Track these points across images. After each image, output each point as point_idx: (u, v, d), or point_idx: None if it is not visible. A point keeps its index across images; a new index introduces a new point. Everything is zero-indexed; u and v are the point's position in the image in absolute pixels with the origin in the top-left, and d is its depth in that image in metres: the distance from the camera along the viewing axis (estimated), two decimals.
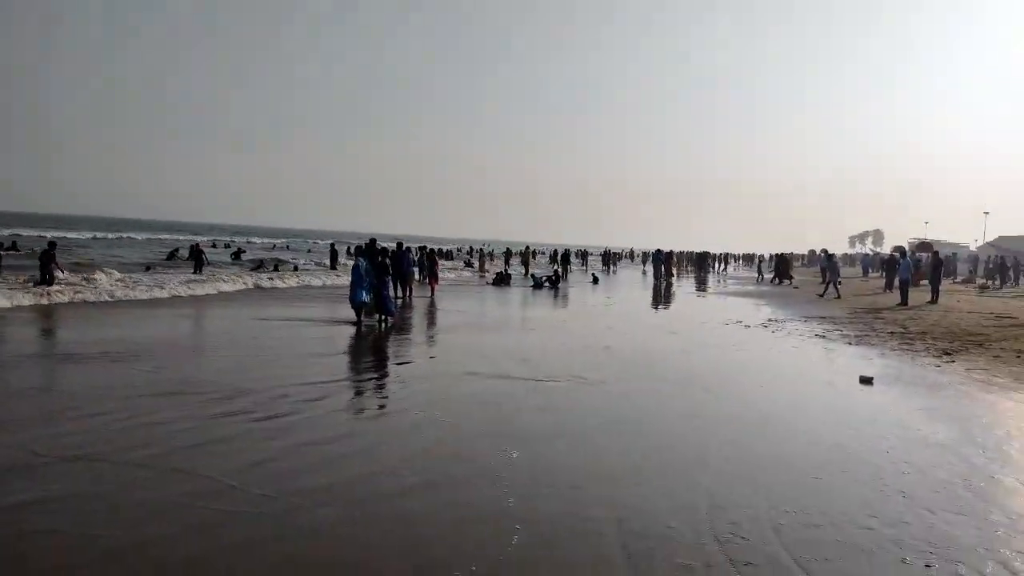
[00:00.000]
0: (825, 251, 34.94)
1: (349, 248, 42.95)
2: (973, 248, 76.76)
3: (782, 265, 41.99)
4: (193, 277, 25.13)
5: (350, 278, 16.36)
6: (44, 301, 17.45)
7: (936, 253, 29.28)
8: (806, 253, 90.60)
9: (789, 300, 26.76)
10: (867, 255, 69.06)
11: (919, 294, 27.17)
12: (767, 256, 54.70)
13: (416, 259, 29.44)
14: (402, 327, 15.96)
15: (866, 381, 10.45)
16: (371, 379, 9.99)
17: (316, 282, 28.02)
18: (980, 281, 40.41)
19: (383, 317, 16.14)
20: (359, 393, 8.94)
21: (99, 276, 22.65)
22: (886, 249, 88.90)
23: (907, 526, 4.97)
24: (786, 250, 48.54)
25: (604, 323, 18.46)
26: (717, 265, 64.84)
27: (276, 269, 33.62)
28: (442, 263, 45.28)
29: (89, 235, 69.50)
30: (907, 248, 49.93)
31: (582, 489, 5.58)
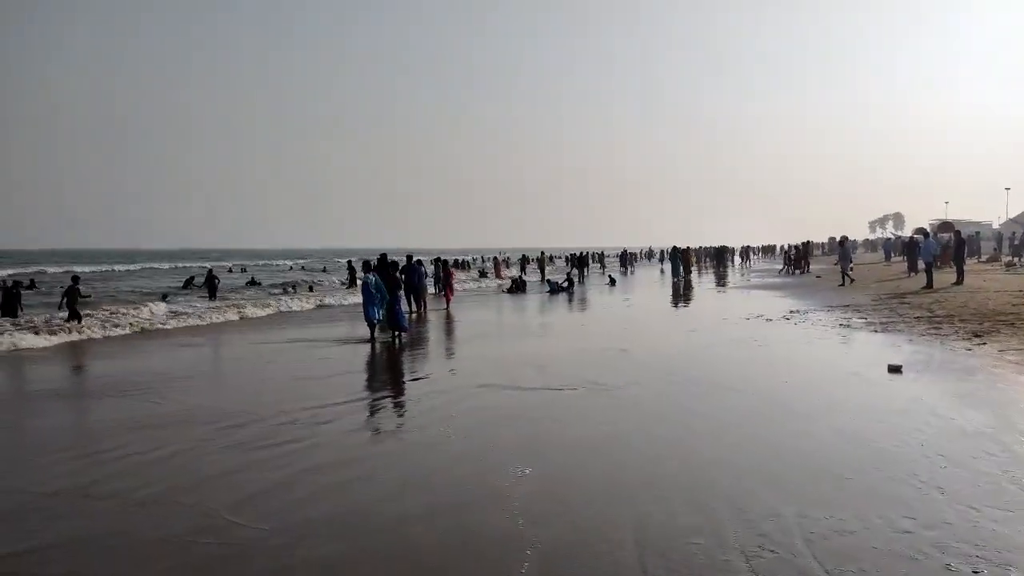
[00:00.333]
0: (834, 239, 34.44)
1: (349, 262, 42.70)
2: (996, 225, 75.40)
3: (797, 255, 41.97)
4: (211, 305, 25.04)
5: (362, 296, 16.17)
6: (75, 337, 17.31)
7: (958, 233, 28.72)
8: (826, 241, 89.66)
9: (810, 290, 26.23)
10: (888, 239, 67.99)
11: (944, 276, 26.57)
12: (786, 247, 54.14)
13: (431, 271, 29.26)
14: (416, 341, 15.72)
15: (895, 370, 10.04)
16: (381, 398, 9.72)
17: (332, 301, 27.83)
18: (1006, 259, 39.50)
19: (396, 333, 15.91)
20: (368, 414, 8.67)
21: (137, 309, 22.63)
22: (907, 232, 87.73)
23: (949, 527, 4.60)
24: (807, 239, 47.89)
25: (621, 325, 18.11)
26: (740, 258, 64.23)
27: (293, 290, 33.54)
28: (458, 274, 45.14)
29: (107, 268, 70.00)
30: (928, 229, 49.10)
31: (597, 506, 5.26)
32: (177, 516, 5.40)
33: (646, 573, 4.17)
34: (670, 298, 27.62)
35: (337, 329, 18.32)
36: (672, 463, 6.27)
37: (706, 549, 4.43)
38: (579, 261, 44.58)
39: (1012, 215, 75.00)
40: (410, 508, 5.39)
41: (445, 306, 23.94)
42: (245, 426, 8.02)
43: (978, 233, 51.39)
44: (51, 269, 61.70)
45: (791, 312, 18.63)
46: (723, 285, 33.83)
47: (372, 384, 11.00)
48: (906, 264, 32.98)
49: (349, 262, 40.48)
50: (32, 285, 37.57)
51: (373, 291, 15.66)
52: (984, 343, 11.96)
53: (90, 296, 22.72)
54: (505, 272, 46.50)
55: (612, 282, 36.08)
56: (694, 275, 43.00)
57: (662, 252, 77.39)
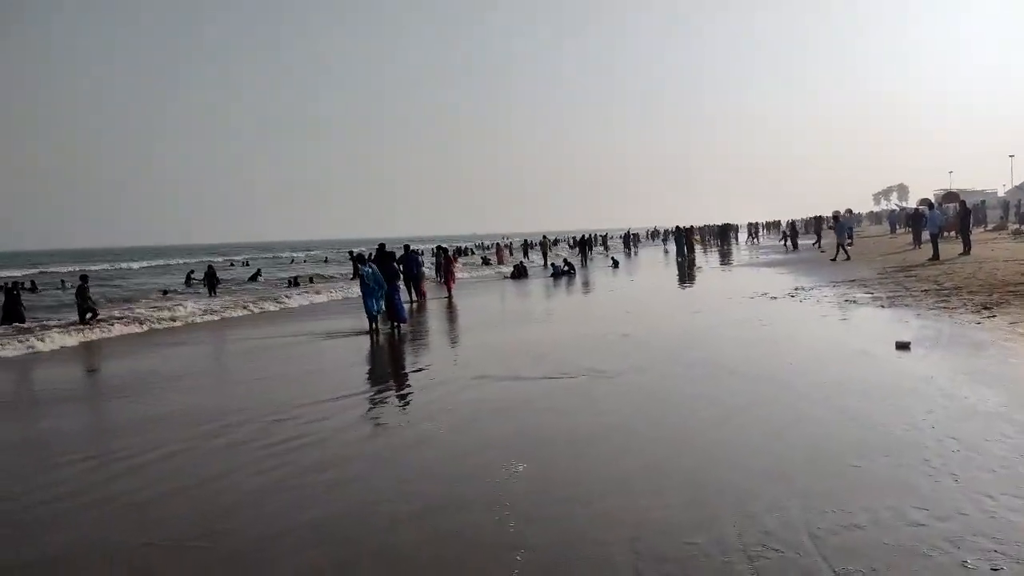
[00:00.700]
0: (836, 214, 34.20)
1: (351, 253, 42.13)
2: (1001, 193, 74.62)
3: (794, 232, 42.76)
4: (211, 303, 24.83)
5: (360, 289, 15.94)
6: (84, 338, 17.09)
7: (963, 202, 28.19)
8: (831, 215, 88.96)
9: (815, 266, 25.87)
10: (893, 211, 67.37)
11: (950, 246, 26.20)
12: (789, 222, 53.96)
13: (432, 260, 29.00)
14: (416, 332, 15.50)
15: (903, 347, 9.75)
16: (377, 392, 9.49)
17: (337, 294, 27.55)
18: (1013, 227, 39.02)
19: (396, 324, 15.69)
20: (363, 410, 8.42)
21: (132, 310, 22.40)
22: (911, 203, 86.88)
23: (964, 518, 4.34)
24: (814, 214, 47.73)
25: (623, 308, 17.83)
26: (748, 235, 63.64)
27: (297, 283, 33.33)
28: (460, 261, 44.87)
29: (108, 266, 69.90)
30: (933, 200, 48.53)
31: (593, 504, 5.02)
32: (168, 521, 5.21)
33: None
34: (673, 279, 27.33)
35: (338, 322, 18.10)
36: (672, 453, 6.02)
37: (706, 550, 4.18)
38: (582, 244, 44.26)
39: (1017, 182, 74.21)
40: (401, 509, 5.17)
41: (446, 294, 23.69)
42: (240, 425, 7.83)
43: (983, 202, 50.83)
44: (52, 269, 61.65)
45: (796, 289, 18.32)
46: (727, 263, 33.49)
47: (369, 378, 10.78)
48: (911, 236, 32.57)
49: (351, 253, 40.16)
50: (33, 287, 37.45)
51: (371, 283, 15.44)
52: (994, 316, 11.65)
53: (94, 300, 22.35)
54: (507, 258, 46.19)
55: (615, 264, 35.76)
56: (698, 254, 42.69)
57: (665, 232, 76.97)
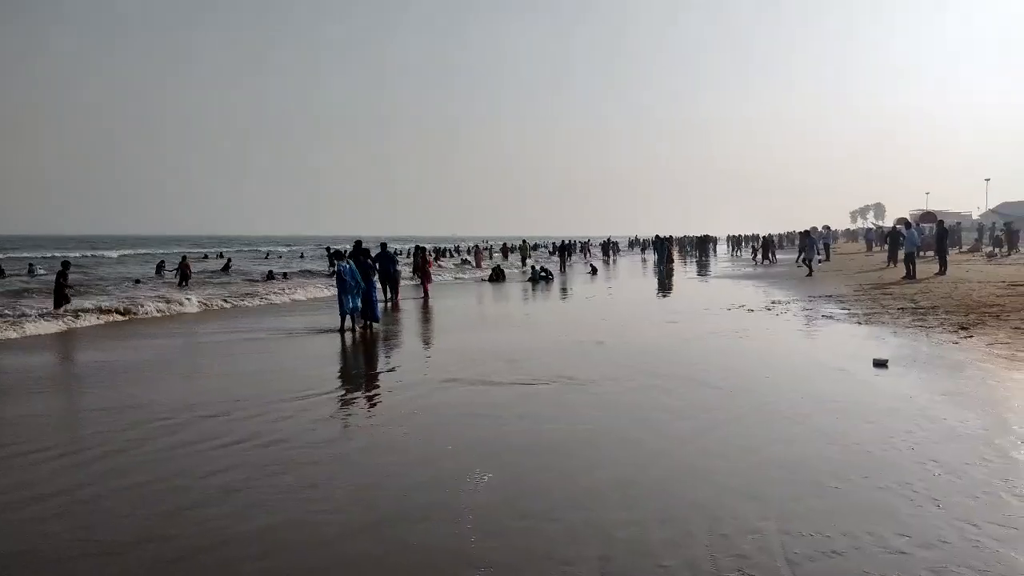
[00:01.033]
0: (815, 228, 34.57)
1: (328, 249, 41.36)
2: (976, 216, 75.66)
3: (766, 246, 43.36)
4: (182, 294, 24.27)
5: (336, 285, 15.55)
6: (57, 327, 16.37)
7: (941, 222, 28.38)
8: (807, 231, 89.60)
9: (793, 281, 25.87)
10: (870, 229, 67.99)
11: (926, 266, 26.34)
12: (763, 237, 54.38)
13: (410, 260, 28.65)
14: (388, 332, 15.17)
15: (880, 364, 9.62)
16: (343, 393, 9.15)
17: (313, 291, 27.09)
18: (987, 249, 39.42)
19: (368, 323, 15.35)
20: (327, 410, 8.05)
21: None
22: (888, 222, 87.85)
23: (948, 547, 4.13)
24: (790, 229, 48.16)
25: (599, 315, 17.64)
26: (731, 249, 63.82)
27: (272, 278, 32.73)
28: (440, 262, 44.52)
29: (83, 254, 68.63)
30: (910, 219, 49.00)
31: (561, 519, 4.76)
32: (103, 524, 4.87)
33: None
34: (651, 288, 27.20)
35: (310, 319, 17.70)
36: (645, 469, 5.78)
37: (677, 573, 3.94)
38: (562, 250, 44.10)
39: (992, 205, 75.30)
40: (355, 520, 4.87)
41: (422, 295, 23.36)
42: (196, 422, 7.48)
43: (959, 223, 51.41)
44: (24, 254, 60.36)
45: (773, 303, 18.23)
46: (705, 274, 33.47)
47: (338, 378, 10.43)
48: (887, 254, 32.74)
49: (328, 249, 39.74)
50: (0, 273, 36.51)
51: (348, 279, 15.07)
52: (971, 336, 11.57)
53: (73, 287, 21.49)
54: (485, 261, 45.92)
55: (593, 271, 35.62)
56: (676, 264, 42.70)
57: (644, 241, 77.10)
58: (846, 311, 15.80)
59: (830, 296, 19.15)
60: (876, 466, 5.60)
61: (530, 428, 7.07)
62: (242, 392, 8.97)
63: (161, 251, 74.17)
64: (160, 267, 33.30)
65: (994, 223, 48.41)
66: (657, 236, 42.94)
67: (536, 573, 4.04)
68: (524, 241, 51.56)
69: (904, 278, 22.94)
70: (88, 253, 70.33)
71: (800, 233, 35.84)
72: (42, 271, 36.87)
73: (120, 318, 18.12)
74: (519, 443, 6.57)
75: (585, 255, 59.38)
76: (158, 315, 18.79)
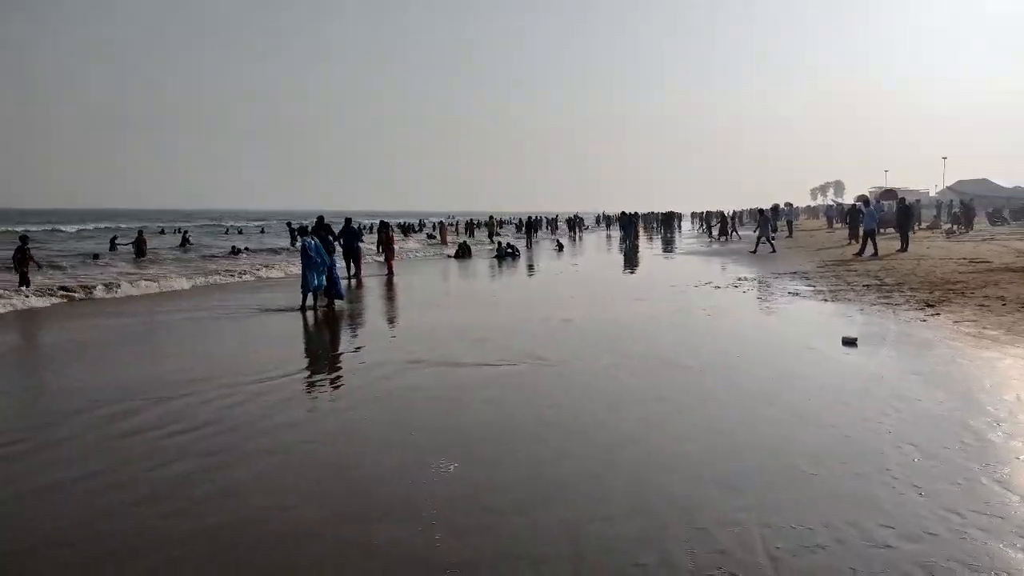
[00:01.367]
0: (778, 205, 34.73)
1: (289, 224, 40.11)
2: (933, 193, 76.84)
3: (724, 223, 43.63)
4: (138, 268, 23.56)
5: (300, 261, 15.05)
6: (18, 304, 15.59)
7: (903, 200, 28.59)
8: (770, 208, 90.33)
9: (758, 258, 25.90)
10: (831, 206, 68.67)
11: (888, 243, 26.54)
12: (714, 213, 54.42)
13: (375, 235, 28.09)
14: (350, 310, 14.76)
15: (849, 343, 9.52)
16: (302, 375, 8.76)
17: (274, 270, 26.47)
18: (946, 226, 39.99)
19: (331, 301, 14.93)
20: (283, 394, 7.66)
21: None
22: (848, 200, 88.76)
23: (934, 539, 3.96)
24: (754, 206, 48.32)
25: (566, 292, 17.40)
26: (701, 225, 63.69)
27: (236, 253, 31.95)
28: (407, 237, 43.94)
29: (73, 228, 66.59)
30: (870, 197, 49.51)
31: (530, 513, 4.50)
32: (24, 525, 4.48)
33: None
34: (617, 264, 27.05)
35: (270, 296, 17.19)
36: (616, 456, 5.54)
37: (654, 572, 3.71)
38: (528, 226, 43.76)
39: (949, 183, 76.47)
40: (310, 516, 4.56)
41: (387, 272, 22.94)
42: (144, 408, 7.07)
43: (918, 201, 52.02)
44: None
45: (739, 279, 18.16)
46: (671, 251, 33.44)
47: (297, 358, 10.03)
48: (848, 231, 33.00)
49: (289, 224, 38.92)
50: None
51: (313, 255, 14.59)
52: (938, 313, 11.55)
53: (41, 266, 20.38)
54: (452, 237, 45.48)
55: (560, 248, 35.42)
56: (642, 240, 42.68)
57: (609, 218, 77.04)
58: (812, 288, 15.77)
59: (795, 273, 19.15)
60: (853, 451, 5.44)
61: (496, 413, 6.80)
62: (197, 375, 8.55)
63: (123, 225, 72.14)
64: (113, 242, 32.29)
65: (951, 200, 49.09)
66: (623, 213, 42.77)
67: (507, 569, 3.78)
68: (491, 217, 51.12)
69: (856, 255, 23.07)
70: (48, 227, 68.21)
71: (757, 211, 36.08)
72: None
73: (79, 296, 17.35)
74: (485, 430, 6.30)
75: (553, 231, 59.13)
76: (115, 295, 18.06)
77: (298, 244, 15.69)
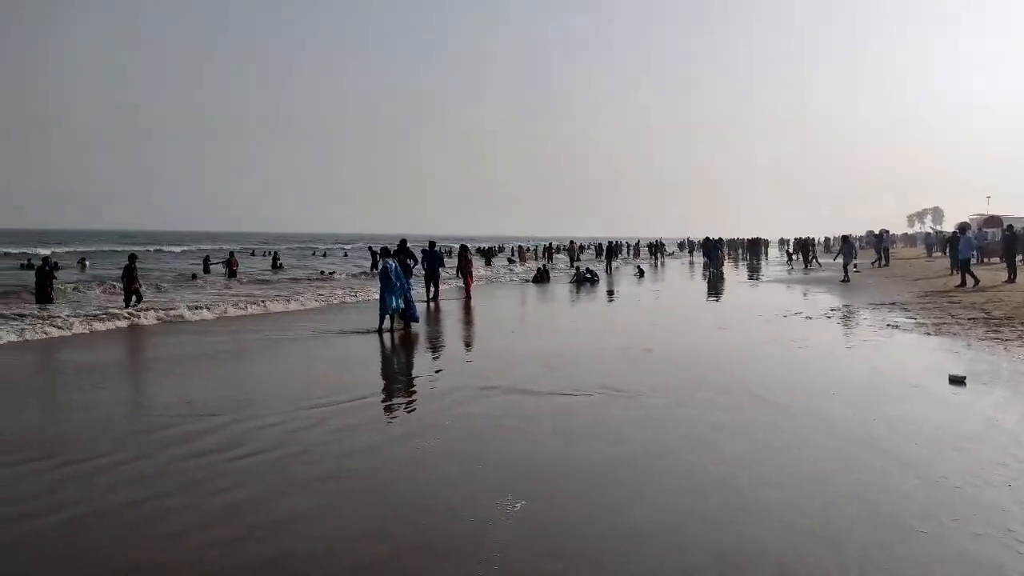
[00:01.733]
0: (872, 232, 33.26)
1: (371, 248, 40.33)
2: None
3: (804, 249, 42.21)
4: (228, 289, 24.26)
5: (379, 283, 15.08)
6: (121, 323, 16.07)
7: (1010, 227, 26.82)
8: (864, 234, 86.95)
9: (851, 286, 24.69)
10: (929, 233, 65.52)
11: (993, 273, 24.89)
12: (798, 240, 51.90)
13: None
14: (426, 333, 14.66)
15: (957, 381, 8.75)
16: (372, 399, 8.59)
17: (360, 294, 26.81)
18: None
19: (407, 323, 14.88)
20: (352, 419, 7.50)
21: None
22: (947, 227, 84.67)
23: None
24: (846, 232, 46.25)
25: (647, 320, 16.88)
26: (789, 256, 61.55)
27: (324, 276, 32.63)
28: (489, 265, 44.07)
29: (178, 249, 69.86)
30: (971, 224, 46.88)
31: (601, 563, 4.11)
32: (84, 555, 4.38)
33: None
34: (701, 292, 26.26)
35: (350, 317, 17.32)
36: (698, 501, 5.10)
37: None
38: (608, 251, 43.21)
39: None
40: (367, 551, 4.31)
41: (465, 295, 22.90)
42: (211, 431, 7.00)
43: None
44: (69, 250, 61.48)
45: (832, 309, 17.25)
46: (757, 279, 32.34)
47: (369, 382, 9.91)
48: (948, 261, 31.20)
49: (371, 248, 39.59)
50: (56, 267, 37.10)
51: (393, 278, 14.60)
52: None
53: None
54: (532, 262, 45.39)
55: (640, 273, 34.75)
56: (727, 267, 41.51)
57: (692, 243, 75.45)
58: (912, 320, 14.79)
59: (893, 303, 18.07)
60: (968, 506, 4.84)
61: (569, 446, 6.43)
62: (268, 397, 8.52)
63: (224, 247, 74.71)
64: (207, 263, 33.50)
65: None
66: (707, 238, 41.80)
67: None
68: (572, 242, 50.79)
69: (957, 286, 21.65)
70: (152, 248, 71.64)
71: (841, 238, 34.55)
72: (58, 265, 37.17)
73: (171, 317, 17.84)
74: (555, 465, 5.95)
75: (635, 256, 58.33)
76: (203, 316, 18.51)
77: (379, 267, 15.73)
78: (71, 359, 12.16)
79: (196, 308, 18.06)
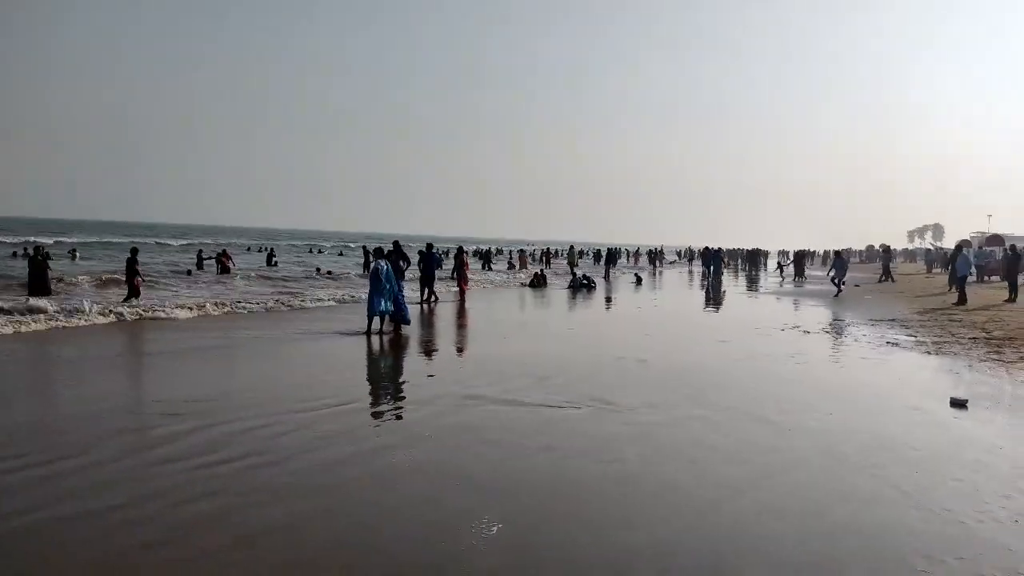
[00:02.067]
0: (872, 246, 33.10)
1: (364, 248, 39.84)
2: None
3: (799, 261, 42.13)
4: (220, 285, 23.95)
5: (369, 284, 14.78)
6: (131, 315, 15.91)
7: (1013, 247, 26.62)
8: (864, 248, 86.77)
9: (850, 301, 24.43)
10: (929, 250, 65.31)
11: (994, 292, 24.65)
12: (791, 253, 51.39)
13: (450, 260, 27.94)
14: (416, 337, 14.36)
15: (959, 404, 8.47)
16: (354, 406, 8.24)
17: (341, 290, 26.56)
18: None
19: (397, 326, 14.60)
20: (329, 427, 7.15)
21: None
22: (947, 244, 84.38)
23: None
24: (844, 247, 46.07)
25: (642, 330, 16.58)
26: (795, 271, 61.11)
27: (320, 274, 32.32)
28: (486, 268, 43.76)
29: (115, 240, 69.36)
30: (972, 242, 46.60)
31: None
32: (34, 570, 4.08)
33: None
34: (699, 302, 26.00)
35: (345, 317, 17.03)
36: (688, 526, 4.80)
37: None
38: (608, 257, 42.96)
39: None
40: None
41: (460, 297, 22.61)
42: (184, 435, 6.69)
43: None
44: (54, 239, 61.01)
45: (831, 324, 16.99)
46: (755, 290, 32.07)
47: (349, 387, 9.53)
48: (948, 277, 30.97)
49: (364, 247, 39.23)
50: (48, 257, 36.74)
51: (383, 280, 14.29)
52: None
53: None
54: (530, 266, 45.12)
55: (639, 281, 34.49)
56: (725, 277, 41.27)
57: (692, 252, 75.19)
58: (912, 337, 14.52)
59: (893, 320, 17.79)
60: (971, 543, 4.55)
61: (554, 464, 6.13)
62: (248, 400, 8.22)
63: (224, 241, 74.26)
64: (200, 258, 33.20)
65: None
66: (707, 247, 41.55)
67: None
68: (572, 247, 50.50)
69: (955, 304, 21.38)
70: (151, 240, 71.22)
71: (833, 252, 34.40)
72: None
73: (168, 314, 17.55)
74: (539, 484, 5.64)
75: (635, 263, 58.03)
76: (196, 314, 18.19)
77: (370, 268, 15.43)
78: (55, 354, 11.88)
79: (184, 307, 17.66)
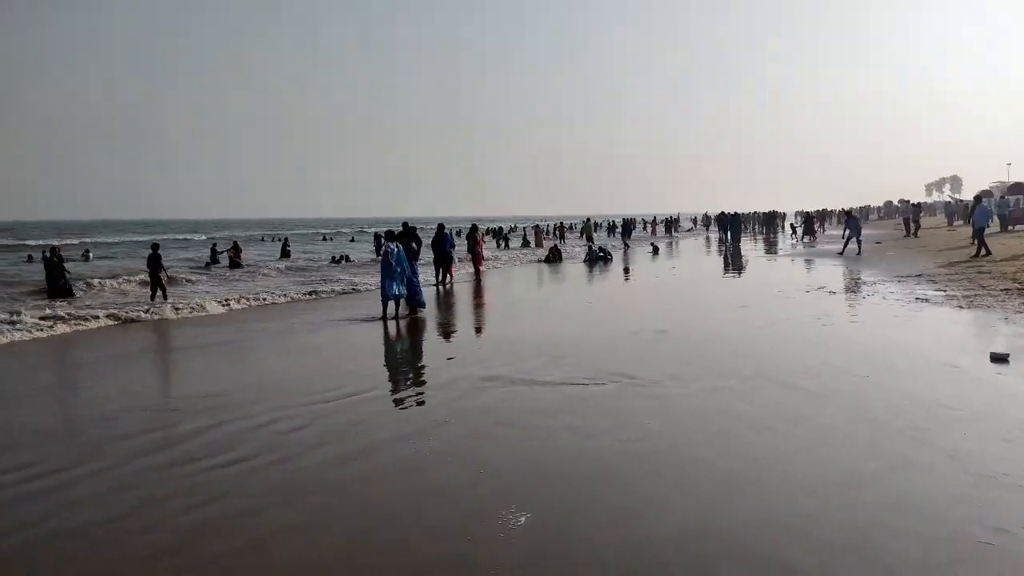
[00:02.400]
0: (890, 202, 32.36)
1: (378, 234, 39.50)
2: None
3: (808, 223, 41.61)
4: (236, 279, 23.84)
5: (380, 268, 14.48)
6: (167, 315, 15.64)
7: None
8: (882, 204, 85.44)
9: (874, 258, 23.89)
10: (948, 202, 64.14)
11: (1021, 241, 24.01)
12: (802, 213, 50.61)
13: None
14: (432, 319, 14.11)
15: (1000, 359, 8.08)
16: (365, 396, 7.88)
17: (348, 276, 26.34)
18: None
19: (412, 309, 14.33)
20: (343, 418, 6.89)
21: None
22: (966, 196, 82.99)
23: None
24: (862, 203, 45.34)
25: (662, 299, 16.24)
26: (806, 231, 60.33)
27: (338, 261, 32.13)
28: (500, 247, 43.44)
29: (202, 238, 69.69)
30: (993, 191, 45.63)
31: None
32: None
33: None
34: (718, 268, 25.54)
35: (360, 303, 16.83)
36: (719, 509, 4.49)
37: None
38: (624, 227, 42.43)
39: None
40: None
41: (475, 276, 22.33)
42: (191, 436, 6.46)
43: None
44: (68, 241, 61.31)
45: (856, 283, 16.54)
46: (774, 253, 31.53)
47: (364, 376, 9.22)
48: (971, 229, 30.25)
49: (376, 233, 38.98)
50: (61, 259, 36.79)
51: (394, 263, 13.97)
52: None
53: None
54: (545, 241, 44.73)
55: (655, 250, 34.01)
56: (743, 242, 40.70)
57: (709, 218, 74.30)
58: (942, 292, 14.07)
59: (919, 276, 17.30)
60: None
61: (578, 445, 5.85)
62: (260, 394, 7.97)
63: (240, 234, 74.19)
64: (214, 252, 33.09)
65: None
66: (723, 213, 40.87)
67: None
68: (588, 219, 49.98)
69: (975, 256, 20.75)
70: (173, 236, 71.41)
71: (844, 213, 33.76)
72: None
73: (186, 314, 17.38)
74: (563, 466, 5.36)
75: (652, 233, 57.33)
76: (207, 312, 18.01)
77: (381, 251, 15.14)
78: (71, 357, 11.73)
79: (218, 301, 17.46)
